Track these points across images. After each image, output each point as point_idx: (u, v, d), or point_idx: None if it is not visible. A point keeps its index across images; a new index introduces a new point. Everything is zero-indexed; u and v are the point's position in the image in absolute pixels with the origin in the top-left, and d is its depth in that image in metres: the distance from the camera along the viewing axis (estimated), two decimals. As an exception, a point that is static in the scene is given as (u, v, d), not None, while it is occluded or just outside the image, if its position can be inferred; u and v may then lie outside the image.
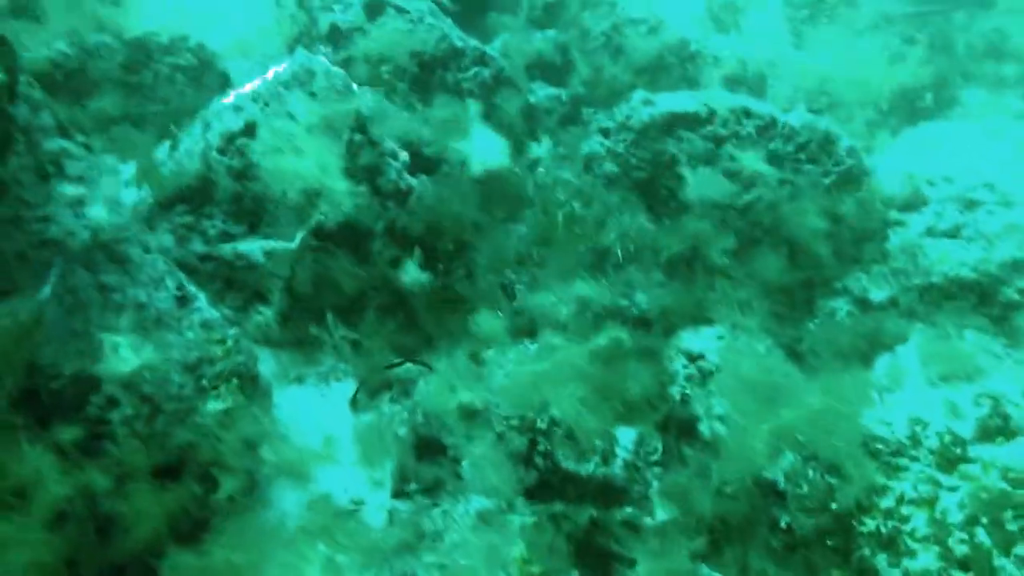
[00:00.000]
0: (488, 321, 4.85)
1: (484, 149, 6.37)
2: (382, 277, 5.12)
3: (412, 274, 5.26)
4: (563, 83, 8.15)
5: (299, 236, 4.99)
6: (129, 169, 5.36)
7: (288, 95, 5.12)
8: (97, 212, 3.55)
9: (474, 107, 6.64)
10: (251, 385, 3.72)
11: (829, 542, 3.57)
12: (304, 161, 5.02)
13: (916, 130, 8.97)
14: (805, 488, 3.58)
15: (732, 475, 3.90)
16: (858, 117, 8.92)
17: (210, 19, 8.19)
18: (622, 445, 4.14)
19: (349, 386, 4.77)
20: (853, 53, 9.74)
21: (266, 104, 5.09)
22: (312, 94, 5.19)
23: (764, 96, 9.81)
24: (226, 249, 4.88)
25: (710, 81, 9.13)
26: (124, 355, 3.22)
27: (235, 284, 5.03)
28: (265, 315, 5.03)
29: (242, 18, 8.52)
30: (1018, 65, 10.02)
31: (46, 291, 3.19)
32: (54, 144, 3.59)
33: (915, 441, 3.46)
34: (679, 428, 4.21)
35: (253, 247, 4.89)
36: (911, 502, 3.39)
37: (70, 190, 3.55)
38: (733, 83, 9.40)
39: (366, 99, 5.52)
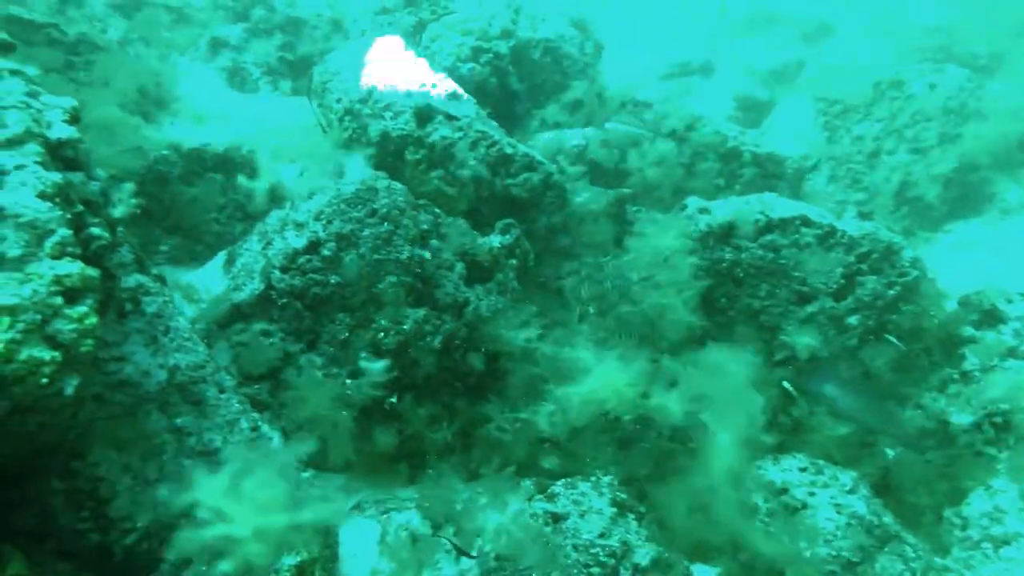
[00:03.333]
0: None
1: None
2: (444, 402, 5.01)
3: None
4: (607, 182, 8.16)
5: (359, 355, 4.89)
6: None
7: (351, 212, 5.11)
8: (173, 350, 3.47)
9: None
10: (325, 532, 3.55)
11: None
12: (366, 280, 4.99)
13: (959, 229, 8.91)
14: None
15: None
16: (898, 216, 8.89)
17: (255, 126, 8.33)
18: (706, 588, 3.92)
19: (408, 515, 4.58)
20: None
21: (329, 222, 5.08)
22: (374, 211, 5.18)
23: (801, 190, 9.84)
24: (287, 371, 4.78)
25: (751, 177, 9.16)
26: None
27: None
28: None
29: (289, 124, 8.67)
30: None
31: None
32: (132, 280, 3.55)
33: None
34: (766, 571, 3.98)
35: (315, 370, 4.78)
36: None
37: (146, 327, 3.48)
38: (771, 179, 9.43)
39: (424, 214, 5.52)
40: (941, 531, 4.05)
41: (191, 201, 6.26)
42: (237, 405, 3.59)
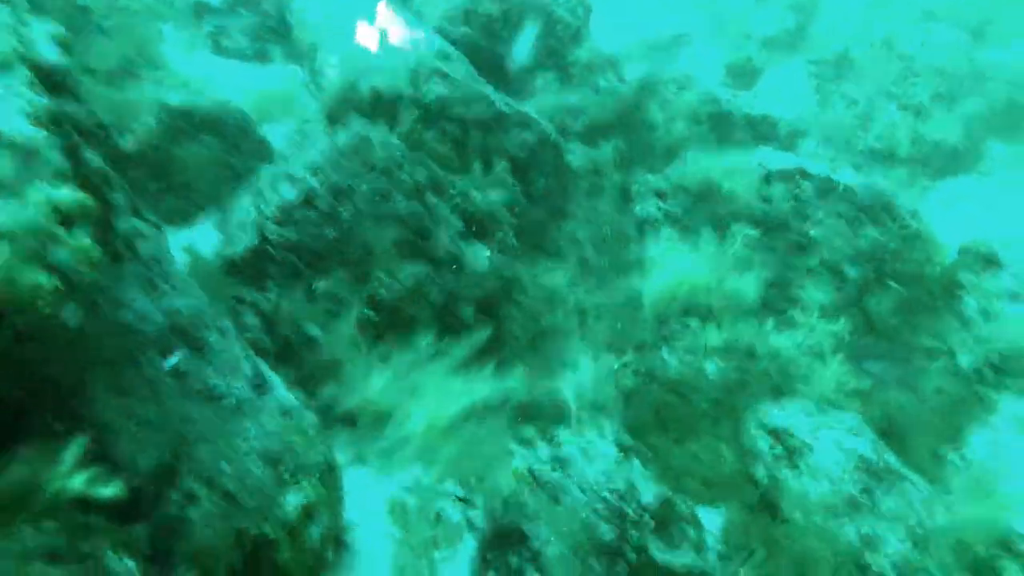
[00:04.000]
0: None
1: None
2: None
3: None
4: (598, 142, 8.07)
5: (354, 311, 4.83)
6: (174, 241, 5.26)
7: (346, 164, 5.02)
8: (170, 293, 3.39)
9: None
10: (330, 475, 3.52)
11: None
12: (363, 232, 4.91)
13: (950, 185, 8.94)
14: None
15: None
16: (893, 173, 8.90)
17: (242, 84, 8.19)
18: (710, 532, 3.92)
19: (413, 468, 4.55)
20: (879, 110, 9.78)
21: (324, 174, 4.98)
22: (369, 164, 5.10)
23: (795, 151, 9.82)
24: (285, 325, 4.71)
25: (743, 138, 9.11)
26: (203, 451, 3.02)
27: (289, 360, 4.86)
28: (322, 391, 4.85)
29: (276, 82, 8.54)
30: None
31: None
32: (126, 224, 3.45)
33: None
34: (771, 511, 3.99)
35: (312, 324, 4.71)
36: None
37: (143, 271, 3.40)
38: (764, 140, 9.38)
39: (421, 169, 5.44)
40: (943, 470, 4.07)
41: (181, 160, 6.13)
42: (239, 349, 3.52)
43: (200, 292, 3.57)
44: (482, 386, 4.28)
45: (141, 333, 3.28)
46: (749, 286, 4.43)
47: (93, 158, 2.66)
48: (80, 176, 2.57)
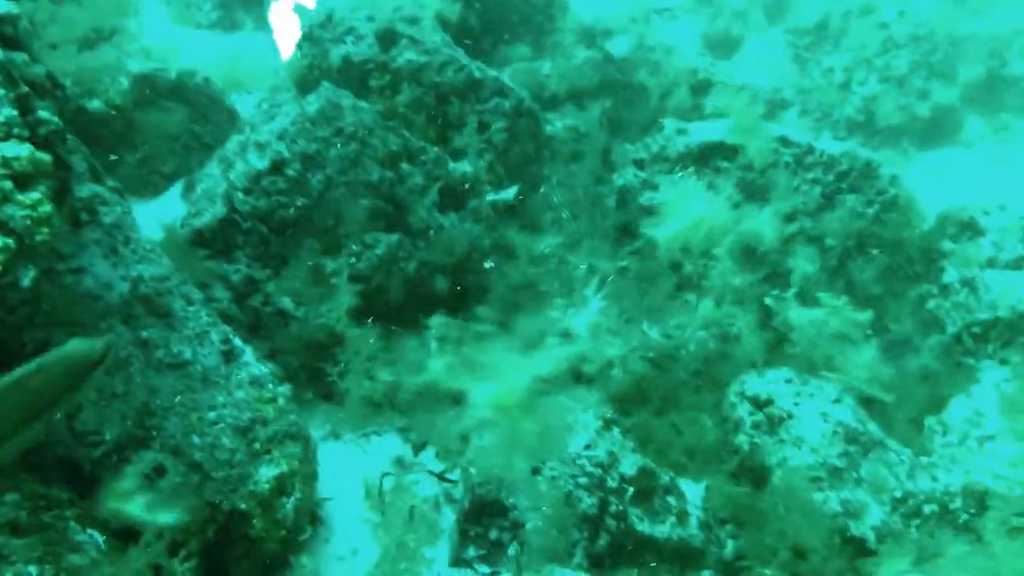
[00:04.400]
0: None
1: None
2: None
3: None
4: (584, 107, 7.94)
5: (342, 286, 4.69)
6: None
7: (316, 131, 4.87)
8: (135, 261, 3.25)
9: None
10: (304, 447, 3.41)
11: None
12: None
13: (930, 156, 8.95)
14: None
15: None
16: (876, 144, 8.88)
17: (211, 53, 7.95)
18: (692, 502, 3.89)
19: (389, 440, 4.47)
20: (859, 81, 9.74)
21: (293, 141, 4.82)
22: (340, 130, 4.94)
23: (774, 120, 9.75)
24: (254, 297, 4.58)
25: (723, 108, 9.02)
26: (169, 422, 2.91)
27: (260, 332, 4.72)
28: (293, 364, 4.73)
29: (245, 51, 8.30)
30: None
31: None
32: (86, 190, 3.29)
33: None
34: (752, 480, 3.96)
35: (283, 296, 4.58)
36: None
37: (104, 238, 3.25)
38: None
39: (394, 136, 5.29)
40: (924, 438, 4.07)
41: (145, 129, 5.92)
42: (206, 317, 3.39)
43: (165, 260, 3.43)
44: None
45: (102, 300, 3.14)
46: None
47: (49, 117, 2.50)
48: (34, 132, 2.42)
